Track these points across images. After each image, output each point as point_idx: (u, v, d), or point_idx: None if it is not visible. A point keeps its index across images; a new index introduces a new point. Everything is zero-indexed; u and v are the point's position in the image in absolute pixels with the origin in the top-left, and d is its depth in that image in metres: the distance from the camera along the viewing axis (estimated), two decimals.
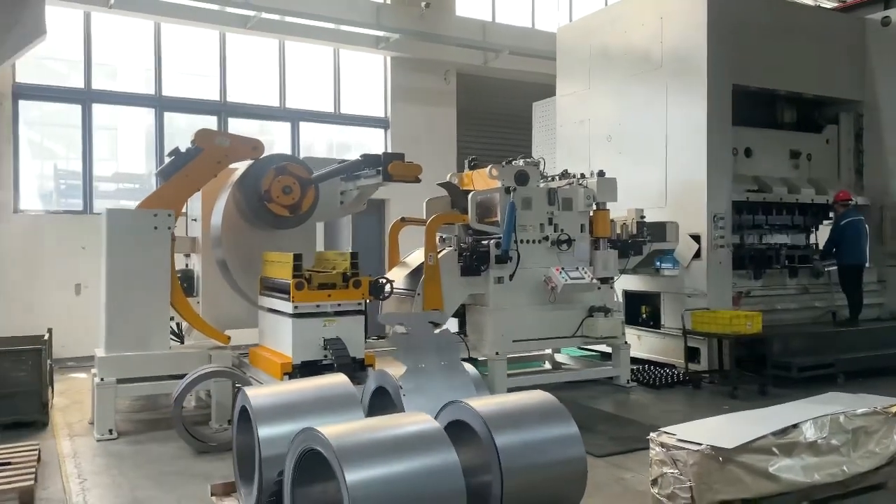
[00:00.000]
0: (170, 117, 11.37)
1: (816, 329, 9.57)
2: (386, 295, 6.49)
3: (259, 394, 4.21)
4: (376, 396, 4.86)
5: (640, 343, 9.93)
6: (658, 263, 9.65)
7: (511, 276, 8.03)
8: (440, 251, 8.00)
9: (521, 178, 8.34)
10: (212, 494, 4.52)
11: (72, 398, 7.87)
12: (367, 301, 6.25)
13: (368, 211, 12.12)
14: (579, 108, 11.22)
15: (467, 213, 8.12)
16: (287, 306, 5.96)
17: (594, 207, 8.62)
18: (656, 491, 4.27)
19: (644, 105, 9.93)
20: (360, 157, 7.61)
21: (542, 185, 8.80)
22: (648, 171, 9.81)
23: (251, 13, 11.27)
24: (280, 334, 6.17)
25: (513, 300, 8.05)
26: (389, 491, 3.11)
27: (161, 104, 11.23)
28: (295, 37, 12.12)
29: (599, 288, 8.57)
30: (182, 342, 7.86)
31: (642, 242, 9.07)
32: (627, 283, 9.98)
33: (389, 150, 12.99)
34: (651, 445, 4.33)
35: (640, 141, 10.00)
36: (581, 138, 11.13)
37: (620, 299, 9.20)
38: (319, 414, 4.03)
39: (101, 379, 6.29)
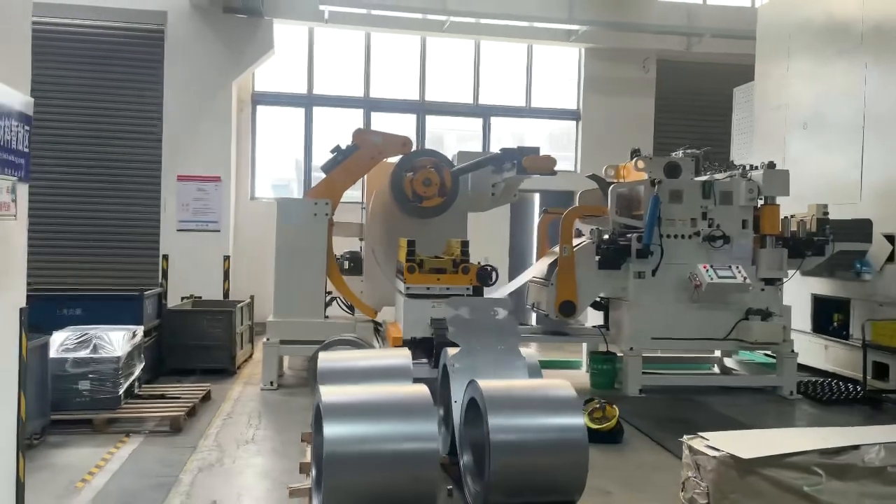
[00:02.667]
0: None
1: None
2: (492, 282, 6.81)
3: (327, 359, 4.90)
4: (444, 372, 5.29)
5: (827, 354, 8.92)
6: (858, 266, 8.58)
7: (654, 272, 7.82)
8: (580, 243, 8.08)
9: (672, 170, 8.04)
10: (301, 440, 5.35)
11: None
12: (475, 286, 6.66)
13: (557, 202, 12.40)
14: (776, 92, 10.27)
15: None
16: (402, 287, 6.62)
17: (761, 202, 7.99)
18: (682, 494, 4.16)
19: (840, 88, 8.84)
20: (500, 150, 8.03)
21: (706, 176, 8.38)
22: (843, 162, 8.73)
23: (448, 18, 12.09)
24: (399, 312, 6.87)
25: (655, 296, 7.83)
26: (363, 448, 3.56)
27: (368, 105, 12.62)
28: (489, 36, 12.74)
29: (763, 289, 7.95)
30: (353, 313, 8.96)
31: (823, 242, 8.14)
32: (818, 286, 9.04)
33: (580, 142, 13.17)
34: (683, 448, 4.21)
35: (836, 129, 8.92)
36: (777, 126, 10.19)
37: (786, 302, 8.33)
38: (367, 380, 4.61)
39: (267, 339, 7.56)
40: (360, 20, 12.22)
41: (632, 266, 7.84)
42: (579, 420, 3.98)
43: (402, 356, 4.91)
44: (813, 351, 9.15)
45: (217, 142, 11.46)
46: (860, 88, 8.48)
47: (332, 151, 7.97)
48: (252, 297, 9.42)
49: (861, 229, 8.19)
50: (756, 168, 8.18)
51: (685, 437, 4.22)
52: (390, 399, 3.85)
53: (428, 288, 6.54)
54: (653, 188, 7.81)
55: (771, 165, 8.04)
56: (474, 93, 12.93)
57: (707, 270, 7.64)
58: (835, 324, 8.87)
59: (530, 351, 5.17)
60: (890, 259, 7.99)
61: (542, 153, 7.92)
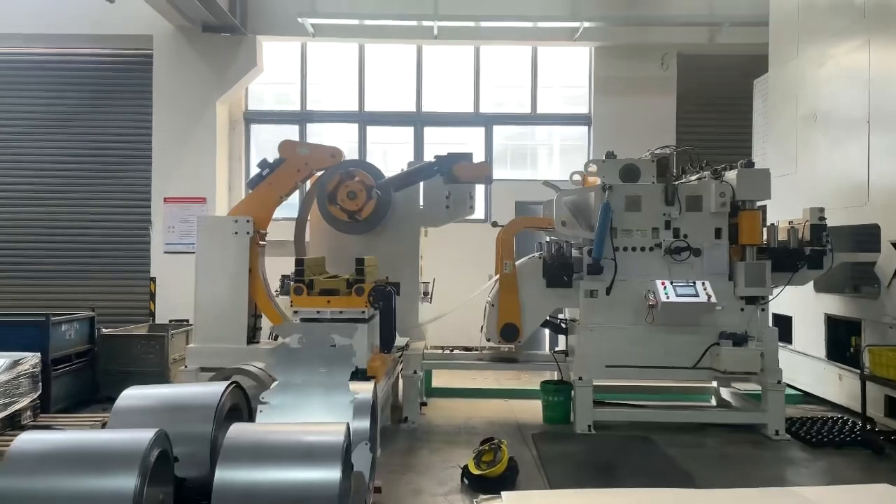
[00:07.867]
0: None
1: None
2: (378, 305, 6.01)
3: (128, 395, 4.41)
4: None
5: (842, 386, 7.57)
6: None
7: (608, 290, 6.84)
8: (529, 258, 7.23)
9: (629, 173, 7.10)
10: None
11: None
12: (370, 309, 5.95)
13: None
14: (787, 82, 8.99)
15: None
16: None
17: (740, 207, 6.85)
18: None
19: (844, 72, 7.54)
20: (434, 158, 7.35)
21: (683, 180, 7.34)
22: (850, 159, 7.43)
23: (435, 24, 11.46)
24: None
25: (611, 318, 6.83)
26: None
27: (363, 119, 12.18)
28: (487, 40, 12.02)
29: (742, 309, 6.80)
30: None
31: (820, 252, 6.88)
32: (834, 306, 7.74)
33: (592, 148, 12.17)
34: None
35: (842, 120, 7.62)
36: (790, 120, 8.90)
37: (799, 325, 7.14)
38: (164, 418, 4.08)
39: (185, 367, 7.15)
40: (351, 32, 11.82)
41: (582, 284, 6.90)
42: (334, 476, 3.25)
43: (211, 393, 4.34)
44: (827, 381, 7.83)
45: (202, 163, 11.35)
46: (863, 71, 7.18)
47: (259, 166, 7.51)
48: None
49: (867, 236, 6.88)
50: (734, 167, 7.04)
51: (481, 497, 3.40)
52: (99, 446, 3.27)
53: (318, 311, 5.90)
54: (603, 194, 6.86)
55: (749, 164, 6.89)
56: (475, 101, 12.21)
57: (665, 287, 6.59)
58: (851, 349, 7.51)
59: (363, 386, 4.45)
60: None
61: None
